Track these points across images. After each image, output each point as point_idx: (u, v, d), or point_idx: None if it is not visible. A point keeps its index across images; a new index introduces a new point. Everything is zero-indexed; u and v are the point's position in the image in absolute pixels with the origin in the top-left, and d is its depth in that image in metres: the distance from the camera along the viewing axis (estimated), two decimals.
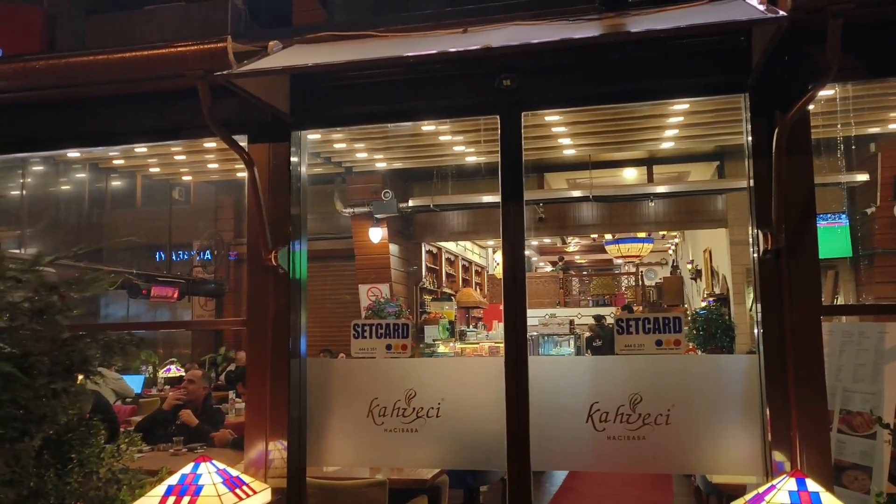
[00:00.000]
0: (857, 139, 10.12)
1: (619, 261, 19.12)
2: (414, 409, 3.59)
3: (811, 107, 7.86)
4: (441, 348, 13.08)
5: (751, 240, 3.27)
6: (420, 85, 3.74)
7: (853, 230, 11.06)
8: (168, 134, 4.13)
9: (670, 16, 3.02)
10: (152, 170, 9.87)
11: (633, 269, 20.43)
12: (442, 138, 9.44)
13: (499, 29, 3.26)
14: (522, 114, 3.66)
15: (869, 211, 10.33)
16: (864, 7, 2.73)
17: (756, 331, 3.27)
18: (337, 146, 9.97)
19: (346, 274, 12.74)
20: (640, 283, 19.46)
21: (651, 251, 18.42)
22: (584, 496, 7.35)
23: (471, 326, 15.36)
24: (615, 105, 7.81)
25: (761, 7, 2.81)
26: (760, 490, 2.79)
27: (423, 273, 13.49)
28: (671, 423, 3.33)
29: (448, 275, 15.35)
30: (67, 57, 3.53)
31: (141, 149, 7.96)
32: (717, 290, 14.29)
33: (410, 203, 12.22)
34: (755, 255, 3.25)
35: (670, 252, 21.61)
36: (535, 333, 13.85)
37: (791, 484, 2.69)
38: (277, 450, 3.56)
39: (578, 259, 24.58)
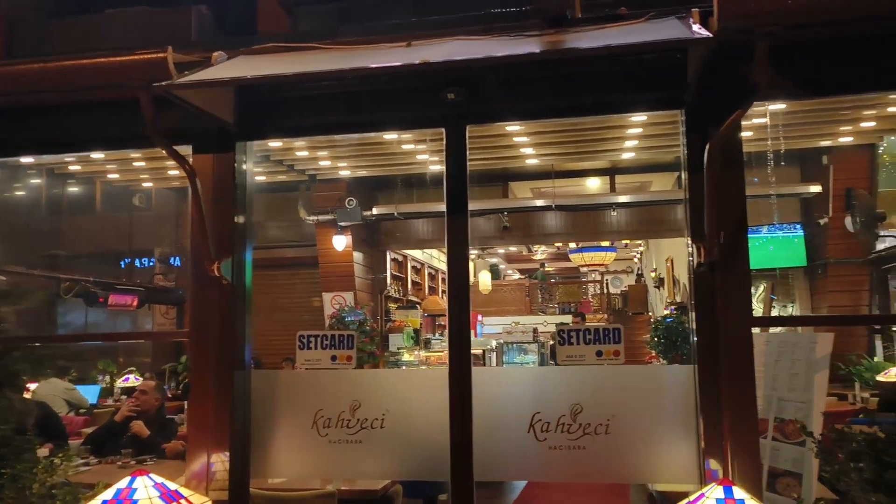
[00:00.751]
0: (811, 152, 10.38)
1: (585, 268, 19.31)
2: (358, 420, 3.60)
3: (767, 119, 8.04)
4: (406, 356, 13.07)
5: (687, 252, 3.35)
6: (371, 97, 3.76)
7: (808, 240, 11.32)
8: (114, 143, 4.12)
9: (608, 33, 3.09)
10: (111, 176, 9.76)
11: (598, 278, 20.63)
12: (405, 147, 9.48)
13: (442, 43, 3.30)
14: (468, 127, 3.69)
15: (822, 222, 10.56)
16: (790, 29, 2.81)
17: (691, 341, 3.34)
18: (300, 154, 9.95)
19: (313, 282, 12.70)
20: (606, 290, 19.64)
21: (616, 259, 18.64)
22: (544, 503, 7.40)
23: (436, 335, 15.37)
24: (565, 118, 7.94)
25: (695, 27, 2.89)
26: (691, 498, 2.85)
27: (389, 281, 13.48)
28: (610, 432, 3.38)
29: (414, 283, 15.36)
30: (8, 65, 3.49)
31: (98, 155, 7.88)
32: (678, 299, 14.50)
33: (375, 211, 12.22)
34: (691, 266, 3.33)
35: (635, 260, 21.86)
36: (498, 342, 13.91)
37: (719, 492, 2.76)
38: (220, 462, 3.55)
39: (546, 267, 24.75)
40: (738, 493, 2.74)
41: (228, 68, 3.22)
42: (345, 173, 11.19)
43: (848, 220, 9.99)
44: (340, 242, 11.82)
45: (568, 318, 17.76)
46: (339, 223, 11.67)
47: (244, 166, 3.79)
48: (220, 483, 3.51)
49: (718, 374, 3.15)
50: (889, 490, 2.61)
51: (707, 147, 3.07)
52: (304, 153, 9.89)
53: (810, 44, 3.13)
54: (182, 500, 3.11)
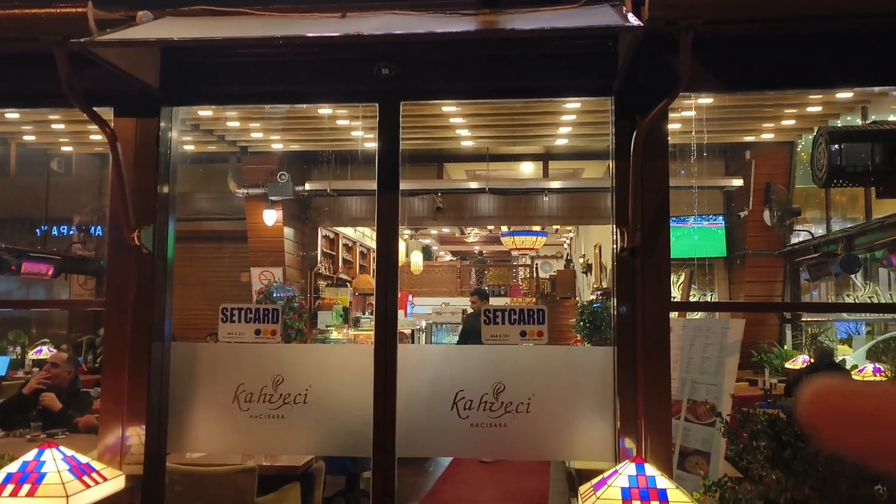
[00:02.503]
0: (735, 147, 10.78)
1: (516, 252, 19.55)
2: (281, 395, 3.56)
3: (696, 113, 8.24)
4: (334, 334, 12.99)
5: (611, 238, 3.43)
6: (304, 68, 3.69)
7: (728, 232, 11.78)
8: (30, 101, 3.91)
9: (542, 17, 3.11)
10: (27, 138, 9.30)
11: (529, 262, 20.93)
12: (340, 122, 9.36)
13: (377, 17, 3.25)
14: (402, 103, 3.66)
15: (742, 214, 10.99)
16: (713, 23, 2.89)
17: (612, 324, 3.43)
18: (231, 124, 9.70)
19: (241, 256, 12.44)
20: (535, 275, 19.96)
21: (546, 244, 18.93)
22: (466, 482, 7.51)
23: (366, 313, 15.33)
24: (503, 100, 7.98)
25: (626, 15, 2.94)
26: (605, 475, 2.94)
27: (319, 258, 13.34)
28: (531, 411, 3.45)
29: (345, 260, 15.24)
30: None
31: (12, 115, 7.48)
32: (604, 284, 14.86)
33: (307, 186, 12.06)
34: (615, 251, 3.41)
35: (565, 246, 22.28)
36: (427, 322, 13.98)
37: (631, 469, 2.86)
38: (136, 435, 3.45)
39: (478, 250, 24.95)
40: (650, 470, 2.85)
41: (153, 29, 3.09)
42: (277, 146, 10.99)
43: (766, 214, 10.43)
44: (271, 217, 11.61)
45: (498, 301, 17.99)
46: (270, 197, 11.46)
47: (169, 133, 3.66)
48: (135, 457, 3.42)
49: (636, 357, 3.25)
50: (785, 467, 2.76)
51: (634, 135, 3.14)
52: (236, 124, 9.65)
53: (737, 39, 3.23)
54: (94, 474, 3.02)
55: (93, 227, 12.23)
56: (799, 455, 2.75)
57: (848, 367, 8.15)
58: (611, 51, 3.38)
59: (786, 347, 10.39)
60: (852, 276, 9.53)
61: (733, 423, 3.18)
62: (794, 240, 10.61)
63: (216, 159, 11.53)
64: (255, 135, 10.27)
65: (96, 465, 3.09)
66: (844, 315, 10.70)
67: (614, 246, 3.43)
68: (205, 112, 9.00)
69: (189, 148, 10.72)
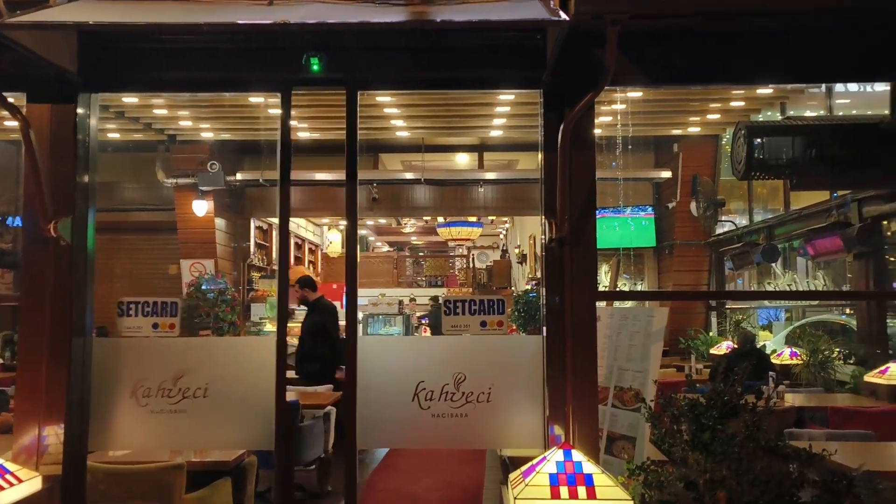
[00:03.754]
0: (664, 140, 11.07)
1: (452, 243, 19.63)
2: (180, 389, 3.50)
3: (625, 106, 8.40)
4: (268, 327, 12.80)
5: (540, 228, 3.48)
6: (232, 55, 3.61)
7: (657, 222, 12.11)
8: None
9: (472, 9, 3.12)
10: None
11: (465, 252, 21.05)
12: (272, 111, 9.19)
13: (304, 6, 3.20)
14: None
15: (671, 205, 11.31)
16: (639, 18, 2.96)
17: (541, 313, 3.49)
18: (158, 112, 9.42)
19: (170, 248, 12.10)
20: (472, 265, 20.09)
21: (482, 235, 19.07)
22: (402, 472, 7.53)
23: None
24: (439, 90, 8.00)
25: (554, 9, 2.98)
26: (534, 462, 3.00)
27: (252, 249, 13.09)
28: (492, 400, 3.47)
29: None
30: None
31: None
32: (539, 274, 15.07)
33: (239, 176, 11.81)
34: (543, 242, 3.47)
35: (501, 237, 22.50)
36: (363, 314, 13.91)
37: (559, 455, 2.92)
38: (54, 434, 3.33)
39: (414, 240, 24.95)
40: (577, 455, 2.92)
41: (69, 11, 2.96)
42: (208, 135, 10.72)
43: (693, 205, 10.77)
44: (201, 207, 11.33)
45: (435, 291, 18.05)
46: (201, 187, 11.18)
47: (88, 120, 3.52)
48: (54, 457, 3.30)
49: (564, 345, 3.31)
50: (704, 449, 2.87)
51: (561, 127, 3.19)
52: (163, 111, 9.37)
53: (663, 34, 3.31)
54: (7, 476, 2.91)
55: (10, 218, 11.68)
56: (717, 437, 2.86)
57: (768, 351, 8.52)
58: (540, 44, 3.43)
59: (711, 334, 10.78)
60: (772, 264, 9.94)
61: (657, 408, 3.28)
62: (719, 230, 10.99)
63: (143, 148, 11.17)
64: (183, 123, 9.99)
65: (10, 466, 2.97)
66: (766, 302, 11.17)
67: (543, 236, 3.49)
68: (130, 99, 8.71)
69: (114, 136, 10.35)
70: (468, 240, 17.95)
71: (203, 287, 10.81)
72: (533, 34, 3.37)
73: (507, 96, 8.51)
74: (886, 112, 3.40)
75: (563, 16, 2.73)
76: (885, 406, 6.15)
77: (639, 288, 11.92)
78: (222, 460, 4.56)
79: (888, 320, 7.62)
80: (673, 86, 4.75)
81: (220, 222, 11.89)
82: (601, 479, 2.84)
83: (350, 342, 3.51)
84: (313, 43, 3.35)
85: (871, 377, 6.39)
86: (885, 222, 7.51)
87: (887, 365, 6.26)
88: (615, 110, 8.31)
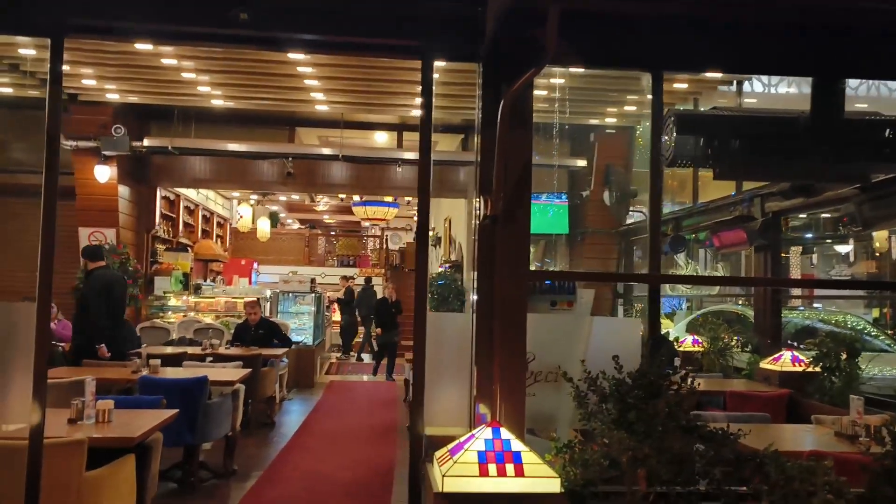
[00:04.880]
0: (581, 128, 11.29)
1: (367, 223, 19.44)
2: None
3: (547, 93, 8.49)
4: (173, 301, 12.29)
5: (473, 206, 3.45)
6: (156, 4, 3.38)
7: (571, 210, 12.37)
8: None
9: None
10: None
11: (379, 233, 20.90)
12: (185, 75, 8.76)
13: None
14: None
15: (584, 194, 11.57)
16: None
17: (471, 292, 3.47)
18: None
19: (67, 215, 11.35)
20: (385, 246, 19.98)
21: (397, 216, 18.97)
22: (311, 451, 7.40)
23: (208, 280, 14.63)
24: (363, 61, 7.83)
25: None
26: (461, 439, 2.98)
27: (158, 220, 12.50)
28: None
29: (186, 224, 14.41)
30: None
31: None
32: (453, 257, 15.15)
33: (146, 143, 11.20)
34: (476, 220, 3.43)
35: (415, 218, 22.42)
36: (272, 291, 13.61)
37: (488, 433, 2.91)
38: None
39: (327, 219, 24.56)
40: (505, 433, 2.92)
41: None
42: (113, 97, 10.11)
43: (606, 194, 11.06)
44: (103, 173, 10.70)
45: (346, 271, 17.85)
46: (103, 152, 10.54)
47: None
48: None
49: (493, 324, 3.30)
50: (629, 427, 2.92)
51: (500, 103, 3.16)
52: (66, 67, 8.73)
53: (598, 14, 3.31)
54: None
55: None
56: (641, 417, 2.92)
57: (671, 339, 8.87)
58: (479, 15, 3.37)
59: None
60: (676, 255, 10.35)
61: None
62: (630, 220, 11.34)
63: (39, 106, 10.40)
64: (86, 81, 9.36)
65: None
66: (668, 290, 11.62)
67: (477, 214, 3.46)
68: (26, 51, 8.08)
69: (5, 91, 9.61)
70: (383, 220, 17.82)
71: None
72: (472, 5, 3.31)
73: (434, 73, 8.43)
74: (806, 109, 3.56)
75: None
76: (777, 391, 6.51)
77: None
78: (126, 436, 4.32)
79: (782, 311, 8.08)
80: (609, 68, 4.80)
81: (123, 190, 11.27)
82: (529, 456, 2.85)
83: (419, 317, 3.42)
84: None
85: (766, 364, 6.78)
86: (783, 218, 7.95)
87: (781, 353, 6.65)
88: (538, 96, 8.39)
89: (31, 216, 12.41)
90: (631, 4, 3.20)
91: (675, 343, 8.49)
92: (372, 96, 9.72)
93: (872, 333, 8.07)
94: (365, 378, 13.08)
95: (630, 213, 11.35)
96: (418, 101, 9.65)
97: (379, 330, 12.94)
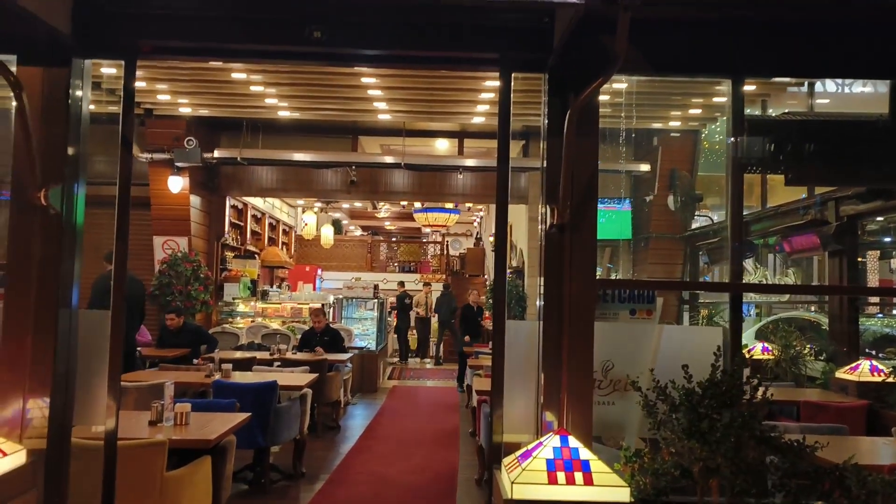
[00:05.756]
0: (643, 133, 11.14)
1: (427, 229, 19.59)
2: None
3: (609, 97, 8.43)
4: (241, 307, 12.67)
5: (540, 215, 3.47)
6: (234, 25, 3.52)
7: (634, 215, 12.20)
8: None
9: None
10: None
11: (440, 239, 21.03)
12: (254, 88, 9.03)
13: None
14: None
15: (648, 199, 11.41)
16: (651, 4, 2.95)
17: (538, 300, 3.49)
18: (136, 84, 9.17)
19: (143, 224, 11.85)
20: (446, 252, 20.09)
21: (457, 222, 19.06)
22: (376, 455, 7.51)
23: (274, 286, 15.01)
24: (427, 72, 7.92)
25: None
26: (529, 447, 3.00)
27: (227, 229, 12.91)
28: None
29: (253, 232, 14.83)
30: None
31: None
32: (514, 263, 15.13)
33: (216, 154, 11.60)
34: (543, 228, 3.45)
35: (475, 224, 22.50)
36: (335, 297, 13.85)
37: (556, 441, 2.93)
38: (38, 408, 3.24)
39: (388, 225, 24.85)
40: (573, 442, 2.93)
41: None
42: (185, 110, 10.50)
43: (670, 199, 10.87)
44: (176, 184, 11.12)
45: (406, 277, 18.04)
46: (177, 163, 10.96)
47: (80, 87, 3.41)
48: (38, 430, 3.21)
49: (561, 331, 3.31)
50: (701, 437, 2.89)
51: (568, 112, 3.17)
52: (142, 84, 9.14)
53: (667, 21, 3.30)
54: None
55: None
56: (714, 426, 2.89)
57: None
58: (547, 27, 3.40)
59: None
60: (744, 261, 10.08)
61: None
62: (695, 225, 11.12)
63: (117, 121, 10.88)
64: (161, 97, 9.77)
65: None
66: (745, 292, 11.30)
67: (542, 224, 3.47)
68: (108, 70, 8.48)
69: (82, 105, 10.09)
70: (444, 226, 17.92)
71: (179, 265, 10.65)
72: (540, 16, 3.34)
73: (491, 82, 8.47)
74: (885, 112, 3.45)
75: None
76: (855, 402, 6.29)
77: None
78: (203, 438, 4.50)
79: (860, 319, 7.79)
80: (676, 75, 4.74)
81: (194, 199, 11.68)
82: (597, 465, 2.85)
83: (498, 325, 3.48)
84: (316, 14, 3.27)
85: (843, 373, 6.55)
86: (858, 221, 7.67)
87: (858, 362, 6.42)
88: (601, 101, 8.33)
89: (111, 226, 13.03)
90: (700, 10, 3.17)
91: (744, 350, 8.29)
92: (434, 105, 9.82)
93: None
94: (429, 384, 13.17)
95: (696, 217, 11.13)
96: (480, 108, 9.74)
97: (467, 337, 12.77)
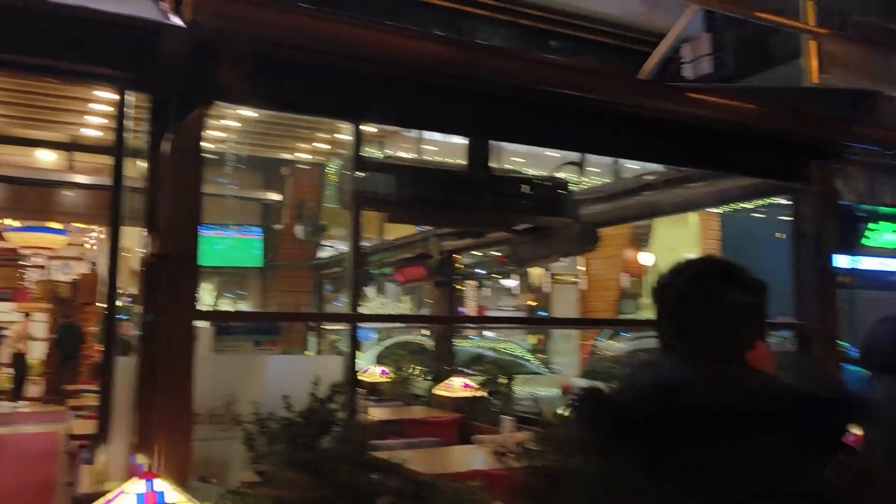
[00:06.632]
0: (274, 162, 11.27)
1: (27, 251, 17.02)
2: None
3: (241, 125, 8.32)
4: None
5: (142, 243, 3.24)
6: None
7: (265, 243, 12.25)
8: None
9: None
10: None
11: (43, 263, 18.44)
12: None
13: None
14: None
15: (278, 227, 11.55)
16: (261, 43, 2.97)
17: (136, 333, 3.23)
18: None
19: None
20: (52, 278, 17.74)
21: (69, 245, 16.95)
22: None
23: None
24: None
25: (169, 13, 2.82)
26: (110, 496, 2.73)
27: None
28: None
29: None
30: None
31: None
32: (134, 290, 13.98)
33: None
34: (143, 257, 3.22)
35: (91, 247, 20.24)
36: None
37: (141, 486, 2.71)
38: None
39: None
40: (159, 485, 2.75)
41: None
42: None
43: (299, 228, 11.15)
44: None
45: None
46: None
47: None
48: None
49: (156, 368, 3.10)
50: (302, 468, 2.95)
51: (171, 139, 3.02)
52: None
53: (283, 62, 3.33)
54: None
55: None
56: (312, 455, 2.97)
57: (361, 369, 9.16)
58: (155, 45, 3.20)
59: (308, 352, 11.20)
60: (363, 288, 10.78)
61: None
62: (322, 254, 11.55)
63: None
64: None
65: None
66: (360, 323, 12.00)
67: (144, 251, 3.24)
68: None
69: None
70: (50, 248, 15.75)
71: None
72: (149, 35, 3.13)
73: (106, 94, 7.76)
74: (465, 162, 3.99)
75: (179, 22, 2.60)
76: (450, 416, 7.08)
77: (240, 307, 11.87)
78: None
79: (454, 340, 8.85)
80: (300, 113, 4.85)
81: None
82: None
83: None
84: None
85: (438, 390, 7.30)
86: (457, 255, 8.74)
87: (450, 379, 7.23)
88: (228, 126, 8.19)
89: None
90: (317, 56, 3.25)
91: (361, 374, 8.79)
92: (37, 111, 8.63)
93: (527, 358, 9.21)
94: (30, 429, 11.34)
95: (322, 247, 11.57)
96: (95, 120, 8.85)
97: None
